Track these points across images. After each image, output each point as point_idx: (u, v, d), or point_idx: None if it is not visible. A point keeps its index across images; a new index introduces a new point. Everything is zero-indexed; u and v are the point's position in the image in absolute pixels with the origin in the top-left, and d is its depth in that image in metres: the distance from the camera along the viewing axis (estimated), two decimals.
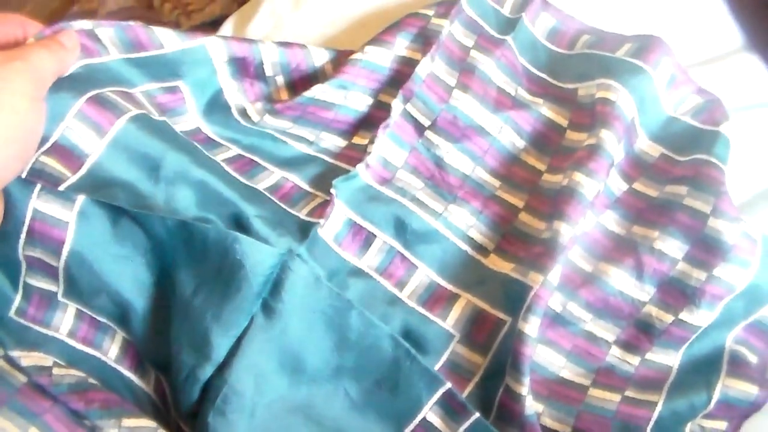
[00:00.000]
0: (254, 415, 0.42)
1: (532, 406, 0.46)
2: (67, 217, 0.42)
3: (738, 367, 0.49)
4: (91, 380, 0.41)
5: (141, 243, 0.44)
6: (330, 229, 0.49)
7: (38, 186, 0.42)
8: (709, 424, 0.48)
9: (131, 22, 0.48)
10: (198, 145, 0.49)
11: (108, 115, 0.44)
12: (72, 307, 0.44)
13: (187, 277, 0.44)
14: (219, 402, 0.41)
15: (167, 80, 0.50)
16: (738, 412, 0.48)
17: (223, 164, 0.49)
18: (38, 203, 0.42)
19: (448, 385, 0.45)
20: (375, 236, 0.50)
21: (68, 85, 0.44)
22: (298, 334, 0.44)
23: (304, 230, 0.47)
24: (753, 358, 0.50)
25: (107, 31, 0.47)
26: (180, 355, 0.42)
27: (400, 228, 0.51)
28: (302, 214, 0.49)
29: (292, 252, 0.44)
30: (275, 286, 0.43)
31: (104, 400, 0.39)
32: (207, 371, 0.42)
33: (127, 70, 0.49)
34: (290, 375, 0.44)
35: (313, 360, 0.45)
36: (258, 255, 0.42)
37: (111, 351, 0.45)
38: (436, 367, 0.47)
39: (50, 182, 0.42)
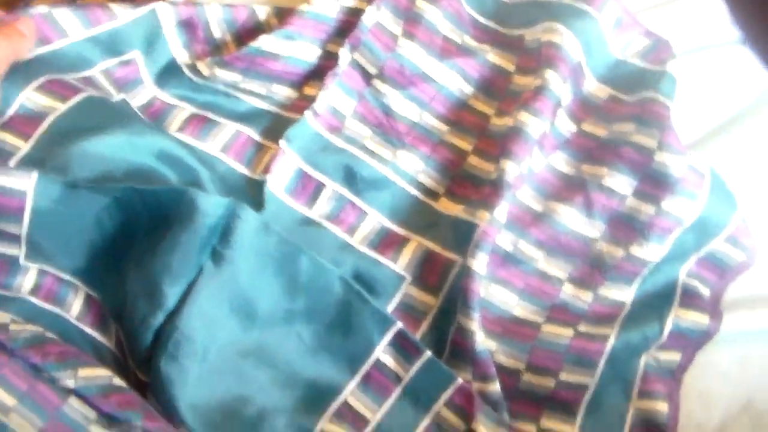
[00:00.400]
0: (206, 359, 0.43)
1: (483, 342, 0.46)
2: (25, 186, 0.42)
3: (690, 298, 0.49)
4: (48, 334, 0.41)
5: (99, 200, 0.44)
6: (280, 180, 0.49)
7: None
8: (663, 355, 0.49)
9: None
10: (152, 123, 0.50)
11: (67, 90, 0.46)
12: (34, 269, 0.44)
13: (140, 228, 0.44)
14: (170, 348, 0.41)
15: (123, 53, 0.52)
16: (691, 342, 0.49)
17: (177, 134, 0.51)
18: None
19: (399, 325, 0.45)
20: (324, 185, 0.50)
21: (25, 70, 0.45)
22: (248, 280, 0.44)
23: (257, 190, 0.48)
24: (705, 291, 0.50)
25: (64, 12, 0.49)
26: (134, 303, 0.43)
27: (350, 176, 0.51)
28: (256, 174, 0.50)
29: (239, 202, 0.44)
30: (224, 234, 0.43)
31: (60, 353, 0.39)
32: (159, 318, 0.42)
33: (85, 49, 0.50)
34: (242, 320, 0.44)
35: (264, 304, 0.45)
36: (206, 204, 0.42)
37: (74, 308, 0.45)
38: (389, 309, 0.48)
39: (3, 158, 0.43)
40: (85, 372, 0.38)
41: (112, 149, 0.44)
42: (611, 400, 0.48)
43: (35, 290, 0.44)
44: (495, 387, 0.46)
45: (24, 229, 0.43)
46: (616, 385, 0.48)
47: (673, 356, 0.48)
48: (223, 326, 0.44)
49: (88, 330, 0.45)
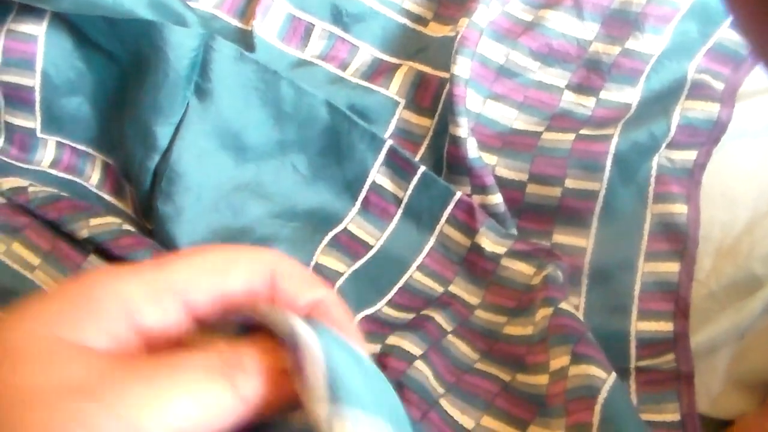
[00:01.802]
0: (201, 196, 0.42)
1: (477, 150, 0.44)
2: (37, 32, 0.44)
3: (699, 90, 0.45)
4: (63, 194, 0.43)
5: (100, 59, 0.45)
6: (271, 27, 0.49)
7: (13, 12, 0.44)
8: (677, 154, 0.44)
9: None
10: None
11: None
12: (52, 141, 0.45)
13: (133, 76, 0.44)
14: (164, 185, 0.41)
15: None
16: (705, 136, 0.44)
17: None
18: (11, 26, 0.44)
19: (390, 142, 0.44)
20: (314, 26, 0.49)
21: None
22: (233, 113, 0.43)
23: (249, 39, 0.48)
24: (718, 84, 0.45)
25: None
26: (131, 150, 0.43)
27: (337, 14, 0.50)
28: (249, 26, 0.49)
29: (213, 34, 0.43)
30: (202, 67, 0.42)
31: (73, 207, 0.41)
32: (154, 160, 0.42)
33: None
34: (233, 154, 0.44)
35: (253, 137, 0.44)
36: (177, 37, 0.41)
37: (93, 178, 0.46)
38: (386, 135, 0.46)
39: None
40: (96, 221, 0.40)
41: None
42: (625, 206, 0.43)
43: (55, 164, 0.45)
44: (496, 199, 0.43)
45: (37, 87, 0.44)
46: (628, 189, 0.43)
47: (688, 154, 0.44)
48: (215, 161, 0.43)
49: (108, 196, 0.46)
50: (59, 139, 0.45)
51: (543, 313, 0.39)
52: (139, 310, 0.23)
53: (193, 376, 0.21)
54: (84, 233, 0.40)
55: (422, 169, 0.43)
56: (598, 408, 0.33)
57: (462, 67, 0.44)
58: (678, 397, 0.38)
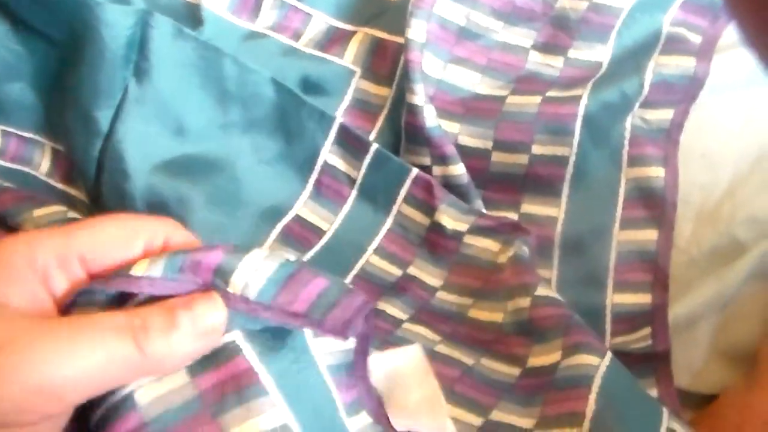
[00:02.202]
0: (143, 183, 0.40)
1: (434, 118, 0.41)
2: None
3: (674, 44, 0.42)
4: (6, 184, 0.41)
5: (38, 42, 0.43)
6: (221, 0, 0.46)
7: None
8: (652, 114, 0.41)
9: None
10: None
11: None
12: None
13: (71, 59, 0.42)
14: (106, 172, 0.40)
15: None
16: (681, 93, 0.41)
17: None
18: None
19: (340, 119, 0.41)
20: None
21: None
22: (174, 94, 0.41)
23: (197, 13, 0.45)
24: (695, 37, 0.43)
25: None
26: (73, 137, 0.41)
27: None
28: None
29: (151, 10, 0.40)
30: (140, 46, 0.40)
31: (15, 198, 0.39)
32: (96, 146, 0.40)
33: None
34: (176, 137, 0.41)
35: (196, 119, 0.41)
36: (111, 15, 0.39)
37: (42, 166, 0.44)
38: (342, 107, 0.44)
39: None
40: (40, 211, 0.38)
41: None
42: (598, 171, 0.41)
43: (2, 153, 0.43)
44: (458, 169, 0.40)
45: None
46: (600, 153, 0.41)
47: (664, 113, 0.41)
48: (158, 144, 0.41)
49: (59, 184, 0.44)
50: (4, 128, 0.43)
51: (519, 303, 0.36)
52: (51, 275, 0.26)
53: (102, 333, 0.24)
54: (28, 226, 0.38)
55: (374, 146, 0.40)
56: (592, 398, 0.30)
57: (417, 30, 0.41)
58: (654, 373, 0.36)
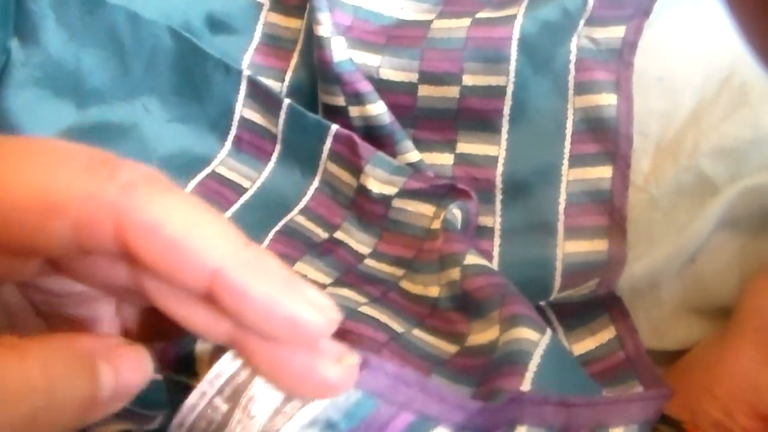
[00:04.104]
0: None
1: (342, 51, 0.36)
2: None
3: None
4: None
5: None
6: None
7: None
8: (600, 32, 0.36)
9: None
10: None
11: None
12: None
13: None
14: None
15: None
16: (631, 6, 0.37)
17: None
18: None
19: (247, 72, 0.38)
20: None
21: None
22: (67, 55, 0.38)
23: None
24: None
25: None
26: None
27: None
28: None
29: None
30: (18, 4, 0.37)
31: None
32: None
33: None
34: (73, 99, 0.39)
35: (96, 79, 0.39)
36: None
37: None
38: (252, 46, 0.40)
39: None
40: None
41: None
42: (540, 102, 0.36)
43: None
44: (377, 108, 0.36)
45: None
46: (542, 80, 0.36)
47: (615, 31, 0.36)
48: (51, 110, 0.38)
49: None
50: None
51: (451, 275, 0.32)
52: None
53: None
54: None
55: (286, 102, 0.37)
56: (528, 376, 0.26)
57: None
58: (607, 311, 0.32)
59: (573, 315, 0.32)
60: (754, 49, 0.20)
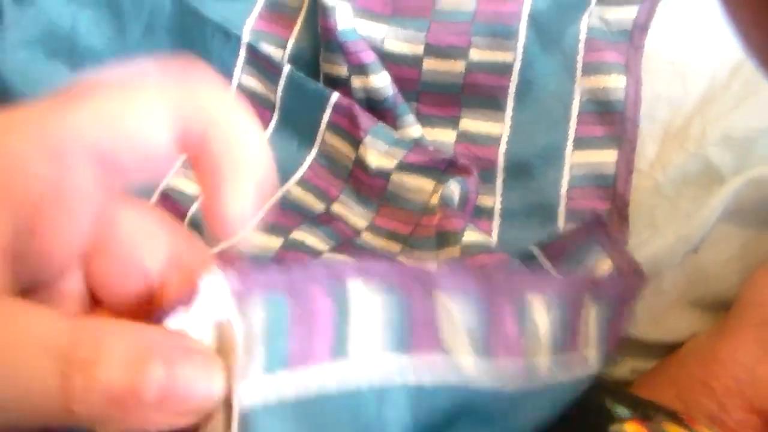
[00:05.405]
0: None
1: (348, 20, 0.36)
2: None
3: None
4: None
5: None
6: None
7: None
8: (612, 13, 0.36)
9: None
10: None
11: None
12: None
13: None
14: None
15: None
16: None
17: None
18: None
19: (246, 39, 0.38)
20: None
21: None
22: (63, 15, 0.38)
23: None
24: None
25: None
26: None
27: None
28: None
29: None
30: None
31: None
32: None
33: None
34: (67, 60, 0.38)
35: (92, 41, 0.38)
36: None
37: None
38: (256, 10, 0.40)
39: None
40: None
41: None
42: (547, 81, 0.35)
43: None
44: (380, 80, 0.35)
45: None
46: (550, 59, 0.35)
47: (626, 12, 0.36)
48: (45, 71, 0.37)
49: None
50: None
51: (450, 252, 0.31)
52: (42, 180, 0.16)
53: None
54: None
55: (287, 68, 0.36)
56: None
57: None
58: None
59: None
60: (749, 46, 0.20)
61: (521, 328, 0.22)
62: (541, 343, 0.23)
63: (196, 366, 0.16)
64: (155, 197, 0.36)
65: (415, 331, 0.20)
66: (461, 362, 0.20)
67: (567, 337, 0.23)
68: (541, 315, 0.23)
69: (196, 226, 0.35)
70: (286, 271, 0.18)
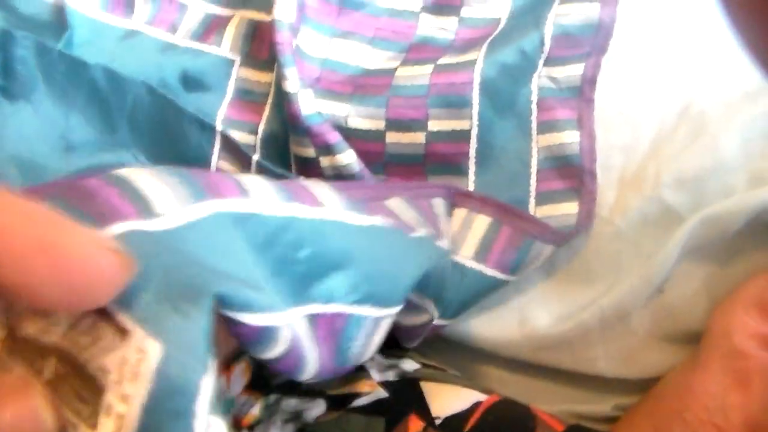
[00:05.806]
0: None
1: (310, 105, 0.37)
2: None
3: None
4: None
5: None
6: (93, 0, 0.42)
7: None
8: (559, 71, 0.37)
9: None
10: None
11: None
12: None
13: None
14: None
15: None
16: (587, 44, 0.37)
17: None
18: None
19: (220, 127, 0.39)
20: None
21: None
22: (51, 112, 0.38)
23: (59, 17, 0.40)
24: None
25: None
26: None
27: None
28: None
29: (8, 30, 0.37)
30: (4, 65, 0.37)
31: None
32: None
33: None
34: (63, 155, 0.39)
35: (81, 135, 0.39)
36: None
37: None
38: (226, 101, 0.40)
39: None
40: None
41: None
42: (505, 143, 0.36)
43: None
44: (347, 158, 0.36)
45: None
46: (505, 122, 0.36)
47: (574, 69, 0.37)
48: (42, 164, 0.38)
49: None
50: None
51: None
52: None
53: None
54: None
55: (255, 156, 0.37)
56: None
57: (283, 8, 0.37)
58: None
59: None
60: (749, 46, 0.20)
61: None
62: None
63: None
64: None
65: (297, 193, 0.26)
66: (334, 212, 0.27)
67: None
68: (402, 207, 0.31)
69: None
70: None
